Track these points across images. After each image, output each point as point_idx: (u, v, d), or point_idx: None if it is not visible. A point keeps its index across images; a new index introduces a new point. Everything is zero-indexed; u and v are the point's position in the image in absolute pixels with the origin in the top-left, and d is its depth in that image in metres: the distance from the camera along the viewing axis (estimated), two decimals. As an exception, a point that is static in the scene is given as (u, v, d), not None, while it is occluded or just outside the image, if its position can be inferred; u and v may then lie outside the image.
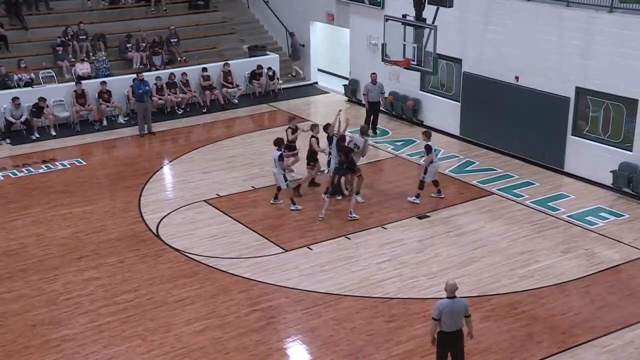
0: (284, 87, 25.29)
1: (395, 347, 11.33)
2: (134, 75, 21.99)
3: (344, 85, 24.62)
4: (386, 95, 21.82)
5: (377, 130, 21.17)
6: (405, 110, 21.98)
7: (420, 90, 21.76)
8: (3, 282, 13.25)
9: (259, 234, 15.01)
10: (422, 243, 14.68)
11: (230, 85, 24.07)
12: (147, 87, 21.34)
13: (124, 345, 11.41)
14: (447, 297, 9.73)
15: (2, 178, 18.27)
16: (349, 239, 14.87)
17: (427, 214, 15.94)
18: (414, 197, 16.27)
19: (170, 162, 19.43)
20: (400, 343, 11.41)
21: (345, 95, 24.64)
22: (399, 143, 20.42)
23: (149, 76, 22.38)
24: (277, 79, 24.97)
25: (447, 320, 9.65)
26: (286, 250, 14.41)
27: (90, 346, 11.41)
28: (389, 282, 13.16)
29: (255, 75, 24.59)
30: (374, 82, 20.96)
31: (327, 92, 25.62)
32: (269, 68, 24.77)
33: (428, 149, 15.85)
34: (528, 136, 18.61)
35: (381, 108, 21.51)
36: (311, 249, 14.36)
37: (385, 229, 15.27)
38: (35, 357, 11.15)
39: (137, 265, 13.84)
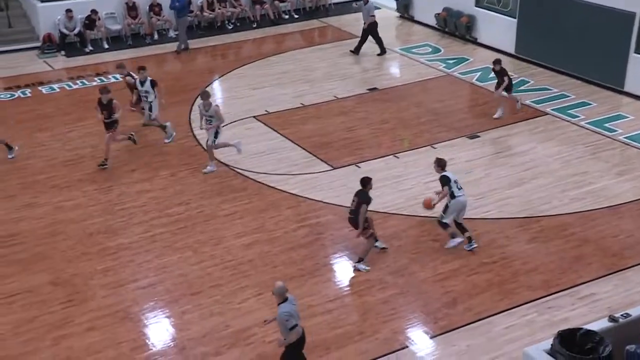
0: (334, 3, 24.78)
1: (440, 265, 11.42)
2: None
3: (397, 0, 23.98)
4: (437, 11, 21.23)
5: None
6: (459, 27, 21.39)
7: (476, 6, 21.08)
8: (62, 191, 13.68)
9: (307, 151, 15.06)
10: (472, 163, 14.55)
11: (284, 0, 23.72)
12: (178, 3, 20.93)
13: (176, 256, 11.76)
14: (283, 302, 8.50)
15: (58, 90, 18.59)
16: (398, 157, 14.81)
17: (477, 134, 15.72)
18: (452, 241, 11.81)
19: (220, 77, 19.44)
20: (446, 262, 11.49)
21: (397, 11, 24.05)
22: (450, 61, 19.98)
23: (200, -11, 22.21)
24: (329, -7, 24.51)
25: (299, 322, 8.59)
26: (334, 168, 14.46)
27: (143, 255, 11.80)
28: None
29: (307, -12, 24.17)
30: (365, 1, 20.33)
31: (378, 8, 25.03)
32: (321, -18, 24.30)
33: (445, 180, 11.58)
34: (587, 54, 17.97)
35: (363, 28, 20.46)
36: (359, 167, 14.37)
37: (435, 148, 15.15)
38: (92, 263, 11.60)
39: (187, 179, 14.09)
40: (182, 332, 10.13)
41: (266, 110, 17.06)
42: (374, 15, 20.31)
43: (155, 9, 21.93)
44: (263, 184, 13.86)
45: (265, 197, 13.43)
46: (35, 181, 14.06)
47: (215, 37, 22.22)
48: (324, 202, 13.16)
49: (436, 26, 22.09)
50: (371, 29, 20.35)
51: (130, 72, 15.93)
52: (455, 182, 11.57)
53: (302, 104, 17.44)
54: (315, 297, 10.74)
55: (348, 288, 11.07)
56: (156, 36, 21.97)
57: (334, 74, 19.27)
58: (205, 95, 13.97)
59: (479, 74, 18.98)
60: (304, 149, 15.14)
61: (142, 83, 14.96)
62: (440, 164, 11.76)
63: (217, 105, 14.21)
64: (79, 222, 12.69)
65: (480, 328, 10.10)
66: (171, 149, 15.31)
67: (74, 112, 17.22)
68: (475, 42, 21.01)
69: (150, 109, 15.13)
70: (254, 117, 16.76)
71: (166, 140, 15.49)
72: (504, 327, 10.09)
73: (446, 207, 11.61)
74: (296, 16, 23.89)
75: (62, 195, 13.51)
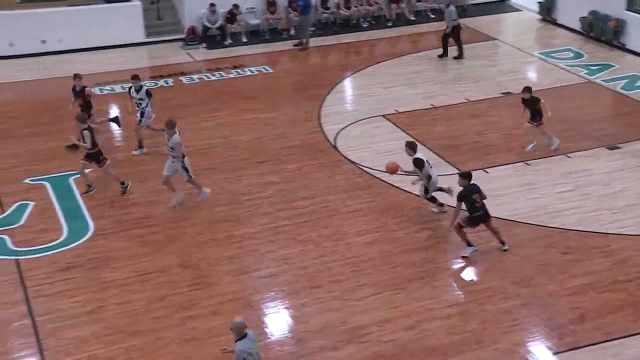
0: (473, 3, 24.29)
1: (569, 280, 10.93)
2: (323, -14, 22.13)
3: (539, 3, 23.17)
4: (583, 14, 20.30)
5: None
6: (605, 32, 20.35)
7: (627, 9, 19.96)
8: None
9: (435, 152, 14.86)
10: (610, 175, 13.82)
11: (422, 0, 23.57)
12: (302, 1, 21.10)
13: (298, 249, 11.96)
14: (240, 339, 8.10)
15: (197, 80, 19.37)
16: (529, 165, 14.32)
17: (618, 145, 14.91)
18: (436, 208, 12.68)
19: (352, 74, 19.55)
20: (576, 276, 10.98)
21: (539, 14, 23.23)
22: (594, 67, 19.06)
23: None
24: (467, -6, 24.05)
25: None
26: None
27: (267, 245, 12.08)
28: (568, 213, 12.60)
29: (444, -11, 23.82)
30: (447, 4, 19.81)
31: (519, 10, 24.28)
32: (459, -18, 23.86)
33: (419, 163, 12.18)
34: None
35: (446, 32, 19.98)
36: (487, 172, 14.02)
37: (570, 157, 14.51)
38: (218, 249, 12.01)
39: (313, 174, 14.28)
40: (300, 324, 10.28)
41: (396, 110, 16.98)
42: (456, 19, 19.88)
43: (293, 4, 22.37)
44: (388, 183, 13.82)
45: (389, 197, 13.38)
46: (170, 167, 14.72)
47: (349, 35, 22.37)
48: (448, 206, 12.94)
49: (580, 30, 21.14)
50: (454, 33, 19.91)
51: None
52: (428, 161, 12.34)
53: (432, 105, 17.23)
54: (434, 301, 10.58)
55: (468, 295, 10.83)
56: (292, 32, 22.40)
57: (467, 76, 18.90)
58: (169, 125, 12.86)
59: (625, 81, 18.00)
60: (431, 150, 14.96)
61: (137, 91, 15.05)
62: (412, 147, 12.40)
63: (179, 138, 12.87)
64: (208, 209, 13.16)
65: (610, 349, 9.59)
66: (300, 143, 15.55)
67: (209, 102, 17.88)
68: (623, 48, 19.93)
69: (141, 115, 15.05)
70: (383, 115, 16.73)
71: (134, 152, 15.15)
72: (638, 351, 9.52)
73: (425, 189, 12.41)
74: (432, 16, 23.62)
75: (205, 185, 14.03)
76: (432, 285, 10.97)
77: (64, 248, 12.04)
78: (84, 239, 12.32)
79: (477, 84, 18.32)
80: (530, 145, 14.79)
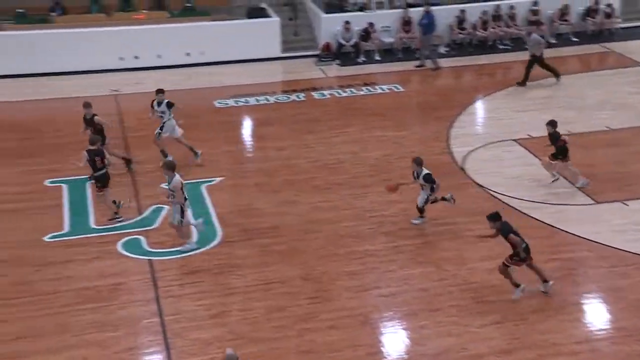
0: (623, 27, 23.18)
1: None
2: (461, 6, 21.94)
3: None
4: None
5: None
6: None
7: None
8: (321, 192, 14.46)
9: (568, 180, 14.30)
10: None
11: (565, 22, 22.82)
12: (425, 20, 20.99)
13: (418, 270, 11.86)
14: None
15: (328, 96, 19.71)
16: (673, 199, 13.49)
17: None
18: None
19: (484, 96, 19.21)
20: None
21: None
22: None
23: (474, 8, 22.16)
24: (616, 17, 22.99)
25: None
26: (597, 202, 13.56)
27: (387, 264, 12.05)
28: None
29: (590, 11, 22.95)
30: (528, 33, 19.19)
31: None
32: (608, 5, 22.90)
33: (431, 179, 12.79)
34: None
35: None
36: (627, 205, 13.32)
37: None
38: (340, 264, 12.11)
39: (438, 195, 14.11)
40: (417, 346, 10.17)
41: (528, 134, 16.51)
42: (542, 44, 19.24)
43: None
44: (516, 209, 13.44)
45: (516, 223, 12.97)
46: (299, 180, 15.00)
47: (484, 56, 22.02)
48: (581, 237, 12.40)
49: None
50: (536, 60, 19.23)
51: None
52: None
53: (568, 131, 16.60)
54: (560, 336, 10.16)
55: (599, 332, 10.32)
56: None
57: (609, 103, 18.09)
58: (168, 166, 12.32)
59: None
60: (565, 178, 14.40)
61: (159, 104, 15.12)
62: (418, 162, 12.82)
63: (179, 180, 12.13)
64: (332, 224, 13.31)
65: None
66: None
67: (339, 118, 18.12)
68: None
69: (161, 128, 15.16)
70: (514, 140, 16.31)
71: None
72: None
73: (427, 199, 12.87)
74: (575, 39, 22.80)
75: (321, 196, 14.26)
76: (559, 318, 10.54)
77: (192, 252, 12.55)
78: (212, 245, 12.78)
79: (619, 111, 17.50)
80: (581, 181, 14.03)
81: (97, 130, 14.44)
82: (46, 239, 12.77)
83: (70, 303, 11.08)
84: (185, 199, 12.33)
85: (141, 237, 12.92)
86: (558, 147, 13.87)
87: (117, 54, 21.02)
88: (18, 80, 19.97)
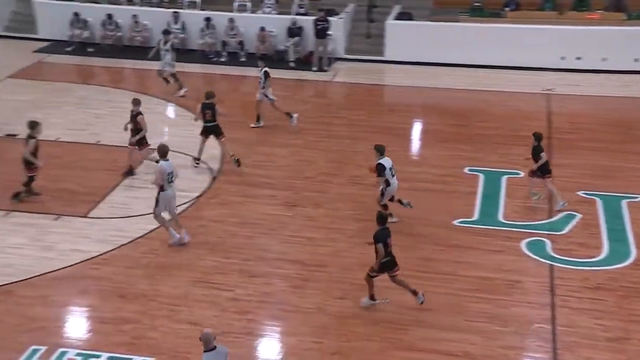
0: None
1: None
2: None
3: None
4: None
5: None
6: None
7: None
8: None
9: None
10: None
11: None
12: None
13: None
14: (207, 351, 8.10)
15: None
16: None
17: None
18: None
19: None
20: None
21: None
22: None
23: None
24: None
25: None
26: None
27: None
28: None
29: None
30: None
31: None
32: None
33: (380, 169, 12.61)
34: None
35: None
36: None
37: None
38: None
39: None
40: None
41: None
42: None
43: None
44: None
45: None
46: None
47: None
48: None
49: None
50: None
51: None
52: (390, 169, 12.57)
53: None
54: None
55: None
56: None
57: None
58: (159, 150, 12.25)
59: None
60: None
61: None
62: (379, 150, 12.60)
63: (162, 167, 12.00)
64: None
65: None
66: None
67: None
68: None
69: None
70: None
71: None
72: None
73: (382, 193, 12.65)
74: None
75: None
76: None
77: (599, 267, 11.80)
78: (623, 264, 11.86)
79: None
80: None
81: (137, 128, 14.42)
82: (455, 222, 13.22)
83: (466, 288, 11.34)
84: (162, 188, 12.02)
85: (547, 241, 12.58)
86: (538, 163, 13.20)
87: (560, 53, 20.59)
88: (461, 70, 20.87)
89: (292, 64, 21.40)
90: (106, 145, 16.00)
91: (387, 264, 10.59)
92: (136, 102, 14.48)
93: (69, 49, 22.33)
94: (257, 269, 11.81)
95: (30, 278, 11.42)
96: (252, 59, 21.30)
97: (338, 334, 10.36)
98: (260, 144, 15.52)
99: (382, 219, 10.69)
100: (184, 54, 21.11)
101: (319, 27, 21.09)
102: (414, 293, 10.76)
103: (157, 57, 18.98)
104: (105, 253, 12.12)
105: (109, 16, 22.14)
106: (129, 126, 14.56)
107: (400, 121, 17.15)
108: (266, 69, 16.69)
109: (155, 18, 22.25)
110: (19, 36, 23.08)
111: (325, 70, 21.16)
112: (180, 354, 9.86)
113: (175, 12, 22.23)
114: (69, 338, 9.98)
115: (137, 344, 9.98)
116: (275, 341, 10.42)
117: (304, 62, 21.50)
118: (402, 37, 21.56)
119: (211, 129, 14.92)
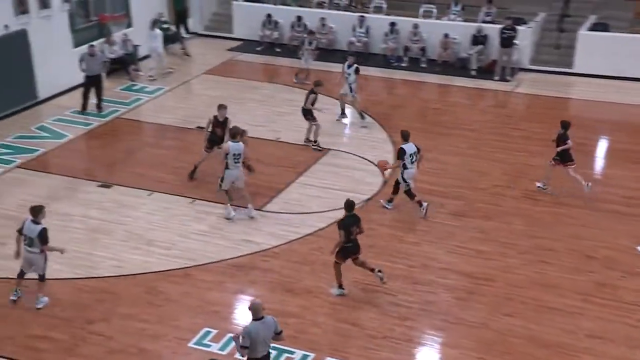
0: None
1: None
2: None
3: None
4: None
5: None
6: None
7: None
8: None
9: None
10: None
11: None
12: None
13: None
14: (255, 319, 8.38)
15: None
16: None
17: None
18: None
19: None
20: None
21: None
22: None
23: None
24: None
25: (261, 346, 8.46)
26: None
27: None
28: None
29: None
30: None
31: None
32: None
33: (401, 153, 13.08)
34: None
35: None
36: None
37: None
38: None
39: None
40: None
41: None
42: None
43: None
44: None
45: None
46: None
47: None
48: None
49: None
50: None
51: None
52: (411, 155, 13.00)
53: None
54: None
55: None
56: None
57: None
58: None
59: None
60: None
61: (349, 67, 17.08)
62: (404, 136, 13.12)
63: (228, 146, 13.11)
64: None
65: None
66: None
67: None
68: None
69: (350, 90, 17.20)
70: None
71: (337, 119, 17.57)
72: None
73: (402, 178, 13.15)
74: None
75: None
76: None
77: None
78: None
79: None
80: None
81: (220, 134, 14.36)
82: (639, 247, 12.35)
83: (645, 320, 10.53)
84: (227, 166, 13.00)
85: None
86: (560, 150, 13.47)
87: None
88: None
89: (473, 72, 21.01)
90: (285, 142, 16.58)
91: (350, 249, 10.92)
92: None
93: (258, 48, 23.37)
94: (422, 277, 11.69)
95: (207, 263, 12.09)
96: (433, 66, 21.15)
97: (502, 352, 10.00)
98: (429, 150, 15.32)
99: (349, 205, 10.91)
100: (366, 57, 21.47)
101: (504, 35, 20.52)
102: (372, 270, 11.03)
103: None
104: (275, 247, 12.55)
105: (299, 18, 22.97)
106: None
107: (585, 137, 16.22)
108: (356, 65, 17.24)
109: (341, 21, 22.78)
110: (217, 35, 24.53)
111: (508, 80, 20.54)
112: (338, 352, 9.97)
113: (361, 16, 22.60)
114: (239, 325, 10.43)
115: (299, 338, 10.22)
116: (435, 351, 10.24)
117: (486, 71, 21.03)
118: (595, 48, 20.44)
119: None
